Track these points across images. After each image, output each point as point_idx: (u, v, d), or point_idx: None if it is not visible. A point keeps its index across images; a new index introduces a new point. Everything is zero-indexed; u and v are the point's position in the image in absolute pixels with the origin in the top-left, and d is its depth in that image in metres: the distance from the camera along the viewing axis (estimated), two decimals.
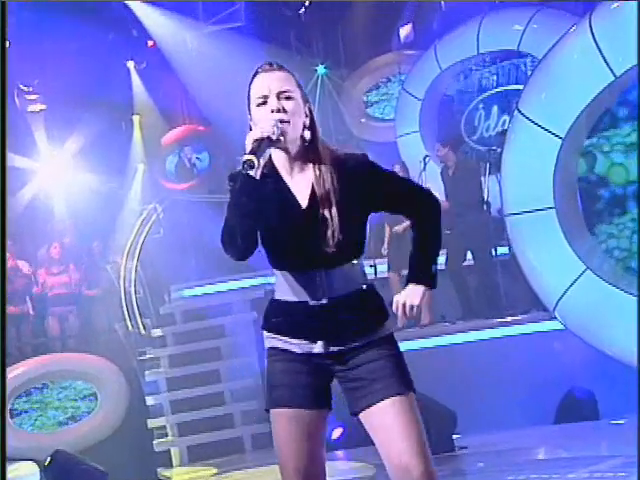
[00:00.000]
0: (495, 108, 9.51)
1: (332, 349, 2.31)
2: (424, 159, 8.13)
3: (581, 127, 6.34)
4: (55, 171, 11.14)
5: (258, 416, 7.87)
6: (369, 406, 2.28)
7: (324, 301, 2.29)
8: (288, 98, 2.30)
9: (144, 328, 8.94)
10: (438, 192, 6.98)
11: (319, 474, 2.33)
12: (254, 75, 2.34)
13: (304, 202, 2.30)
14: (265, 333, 2.38)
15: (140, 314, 9.01)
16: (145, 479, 7.72)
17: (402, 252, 6.73)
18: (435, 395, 5.90)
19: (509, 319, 7.16)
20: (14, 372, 7.95)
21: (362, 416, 2.30)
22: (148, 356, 8.60)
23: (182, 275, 9.41)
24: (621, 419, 5.98)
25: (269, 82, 2.30)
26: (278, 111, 2.27)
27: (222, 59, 10.29)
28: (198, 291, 9.13)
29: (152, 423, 8.19)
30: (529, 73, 8.25)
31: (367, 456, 6.07)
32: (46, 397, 8.19)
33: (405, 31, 11.56)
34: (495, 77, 9.49)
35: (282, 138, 2.26)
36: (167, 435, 8.21)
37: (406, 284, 2.41)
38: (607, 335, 6.18)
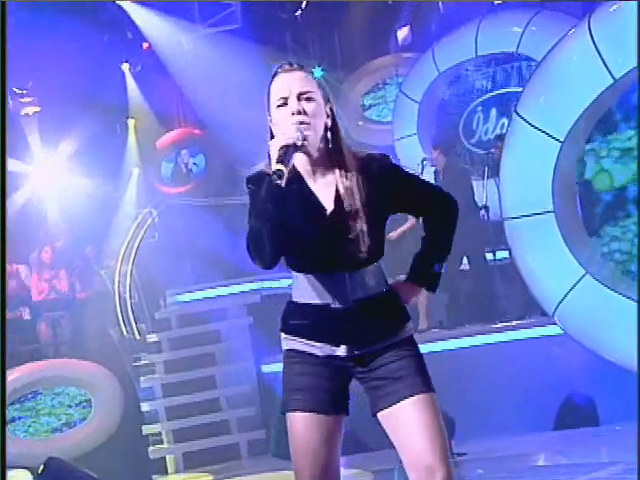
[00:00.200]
0: (494, 111, 9.49)
1: (355, 352, 2.29)
2: (422, 162, 8.11)
3: (580, 130, 6.30)
4: (49, 174, 11.10)
5: (254, 422, 7.83)
6: (391, 404, 2.27)
7: (348, 304, 2.27)
8: (309, 99, 2.26)
9: (139, 333, 8.91)
10: None
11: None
12: (274, 75, 2.30)
13: (329, 205, 2.28)
14: (283, 335, 2.37)
15: (135, 319, 9.00)
16: None
17: (396, 258, 6.67)
18: None
19: (512, 323, 7.12)
20: (7, 378, 7.88)
21: (383, 415, 2.29)
22: (143, 362, 8.56)
23: (177, 280, 9.36)
24: (621, 425, 5.94)
25: (289, 83, 2.26)
26: (299, 113, 2.24)
27: (218, 61, 10.25)
28: (194, 296, 9.06)
29: (147, 429, 8.14)
30: (528, 76, 8.20)
31: (364, 463, 6.03)
32: (39, 404, 8.15)
33: (403, 33, 11.54)
34: (493, 80, 9.48)
35: (305, 142, 2.22)
36: (162, 442, 8.16)
37: (405, 281, 2.41)
38: (607, 340, 6.13)
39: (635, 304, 5.94)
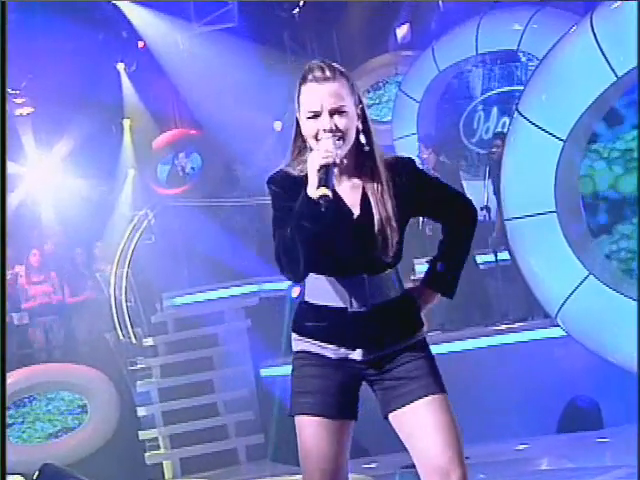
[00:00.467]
0: (495, 110, 9.46)
1: (370, 356, 2.27)
2: (422, 162, 8.04)
3: (583, 129, 6.25)
4: (43, 176, 11.04)
5: (253, 427, 7.77)
6: (405, 404, 2.27)
7: (367, 308, 2.25)
8: (341, 113, 2.20)
9: (135, 337, 8.86)
10: None
11: None
12: (304, 80, 2.22)
13: (355, 209, 2.26)
14: (295, 336, 2.34)
15: (131, 323, 8.94)
16: None
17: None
18: None
19: (515, 325, 7.07)
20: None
21: (396, 415, 2.28)
22: (139, 366, 8.48)
23: (174, 283, 9.29)
24: (625, 427, 5.88)
25: (321, 97, 2.20)
26: (331, 131, 2.19)
27: (214, 61, 10.19)
28: (191, 299, 9.00)
29: (144, 435, 8.08)
30: (529, 74, 8.14)
31: (365, 468, 5.98)
32: (34, 409, 8.10)
33: (402, 31, 11.48)
34: (494, 78, 9.43)
35: (344, 160, 2.20)
36: (159, 447, 8.09)
37: (422, 286, 2.39)
38: (611, 342, 6.11)
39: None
